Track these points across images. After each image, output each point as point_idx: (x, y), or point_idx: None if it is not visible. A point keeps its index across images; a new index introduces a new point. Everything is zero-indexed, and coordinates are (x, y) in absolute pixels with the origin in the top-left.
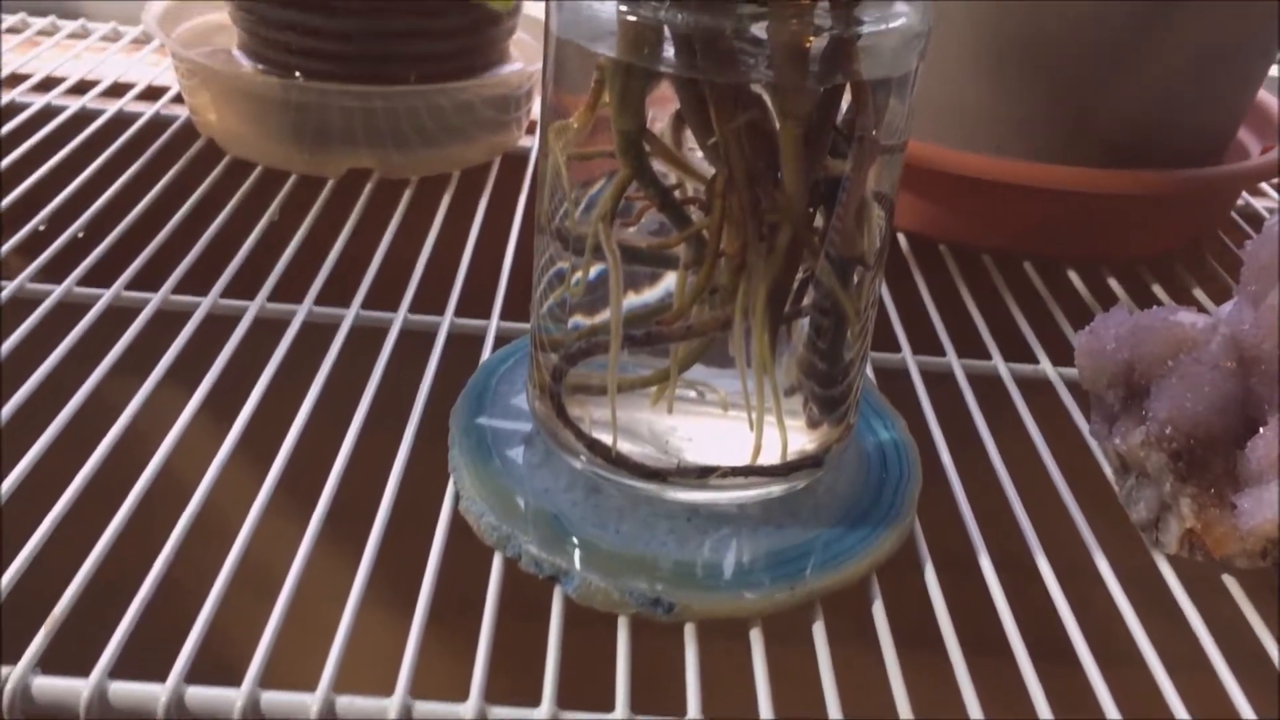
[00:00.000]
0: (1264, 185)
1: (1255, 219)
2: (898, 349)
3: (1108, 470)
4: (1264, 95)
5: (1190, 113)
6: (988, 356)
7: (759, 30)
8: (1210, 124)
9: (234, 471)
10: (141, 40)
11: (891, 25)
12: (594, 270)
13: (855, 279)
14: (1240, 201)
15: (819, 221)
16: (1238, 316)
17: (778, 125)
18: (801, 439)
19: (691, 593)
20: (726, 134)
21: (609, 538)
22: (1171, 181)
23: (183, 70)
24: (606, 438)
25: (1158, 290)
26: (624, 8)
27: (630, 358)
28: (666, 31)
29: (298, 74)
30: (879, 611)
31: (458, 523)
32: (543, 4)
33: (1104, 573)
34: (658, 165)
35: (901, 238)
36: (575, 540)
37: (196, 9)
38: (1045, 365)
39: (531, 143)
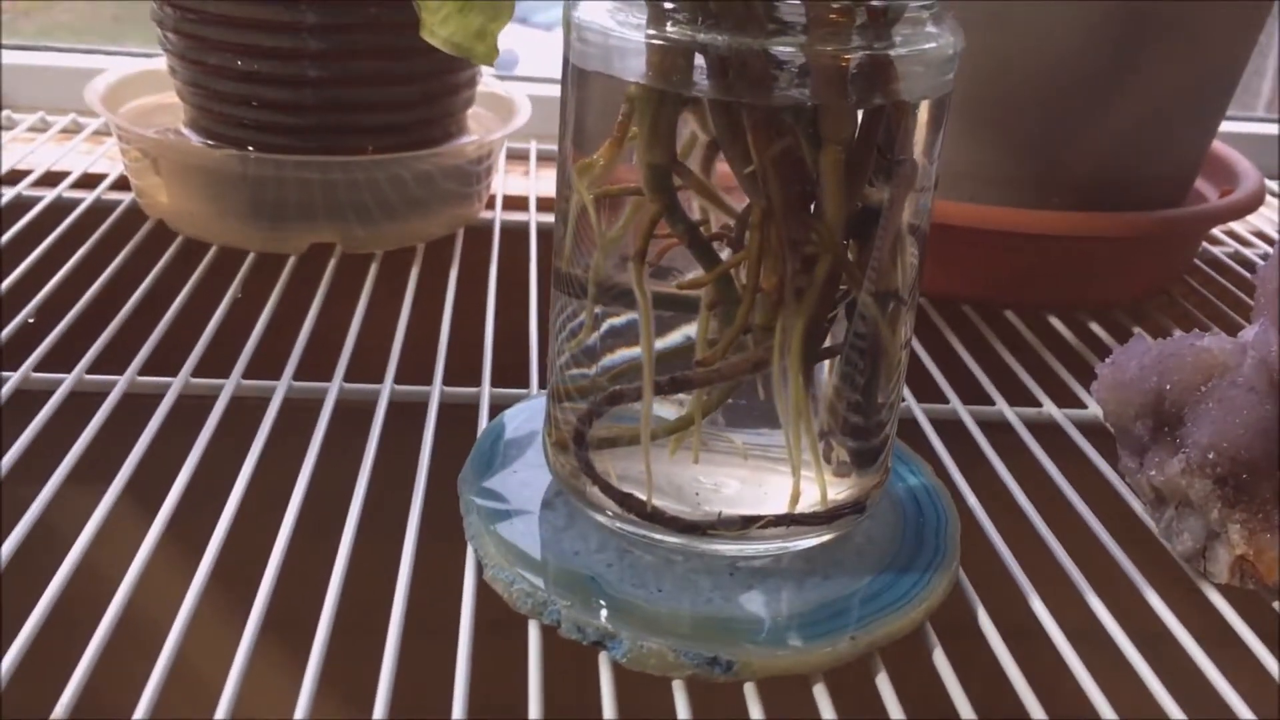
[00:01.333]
0: (1217, 231)
1: (1217, 263)
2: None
3: (1135, 505)
4: (1218, 144)
5: (1153, 161)
6: (990, 401)
7: (794, 52)
8: (1171, 172)
9: (213, 579)
10: (72, 129)
11: (926, 46)
12: (617, 318)
13: (889, 315)
14: (1200, 248)
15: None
16: (1265, 340)
17: (810, 153)
18: (838, 482)
19: (749, 649)
20: (765, 161)
21: (652, 597)
22: (1147, 222)
23: (130, 152)
24: (635, 493)
25: (1139, 331)
26: (651, 32)
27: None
28: (698, 56)
29: (250, 148)
30: (940, 659)
31: (484, 592)
32: (496, 80)
33: (1156, 606)
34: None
35: None
36: (617, 602)
37: (134, 90)
38: (1049, 407)
39: (493, 215)
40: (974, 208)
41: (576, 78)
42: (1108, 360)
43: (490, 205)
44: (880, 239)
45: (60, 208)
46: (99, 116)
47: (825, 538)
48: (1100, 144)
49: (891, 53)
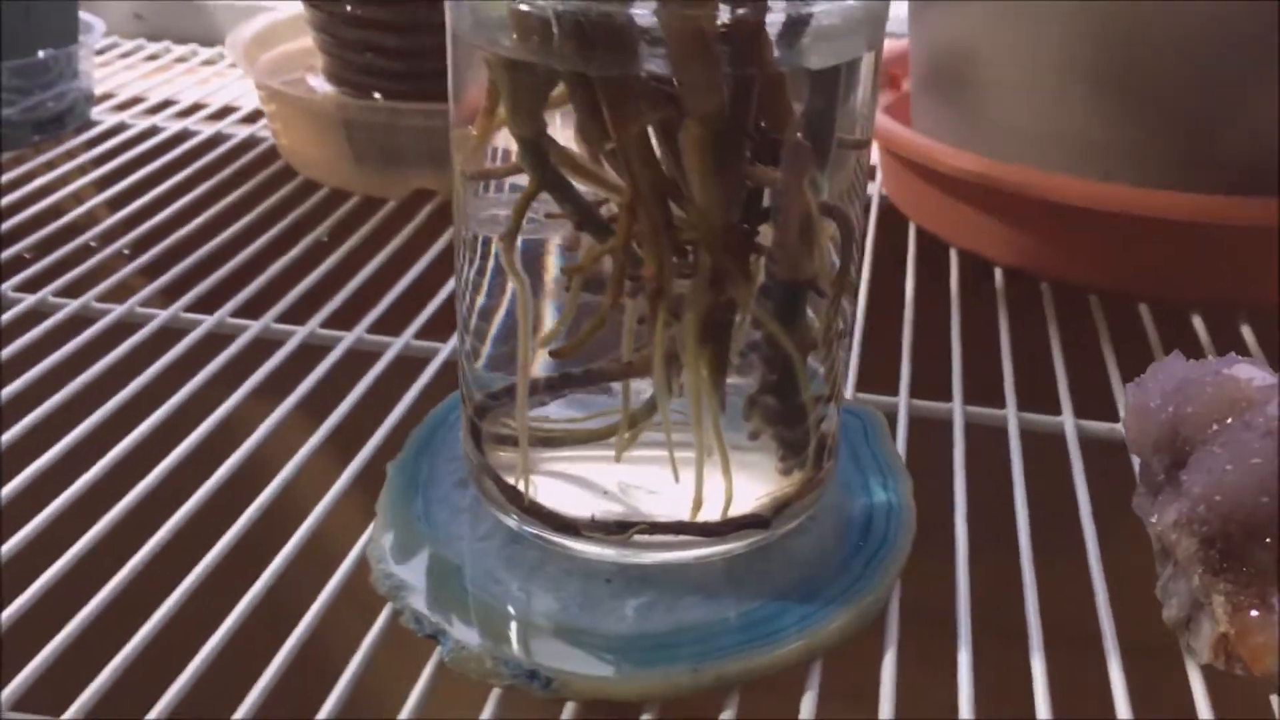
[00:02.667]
0: None
1: None
2: (949, 397)
3: None
4: None
5: None
6: (1057, 411)
7: (651, 16)
8: None
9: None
10: None
11: (829, 5)
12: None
13: (807, 306)
14: None
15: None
16: None
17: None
18: (762, 489)
19: (577, 666)
20: (625, 139)
21: (508, 596)
22: None
23: (260, 94)
24: (544, 484)
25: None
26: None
27: (592, 402)
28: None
29: (376, 95)
30: (808, 704)
31: (364, 568)
32: None
33: (1114, 679)
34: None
35: (998, 274)
36: (470, 597)
37: (290, 35)
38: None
39: None
40: (1104, 188)
41: (454, 43)
42: (1136, 380)
43: None
44: (781, 228)
45: (217, 141)
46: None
47: (719, 550)
48: (1262, 117)
49: (792, 12)
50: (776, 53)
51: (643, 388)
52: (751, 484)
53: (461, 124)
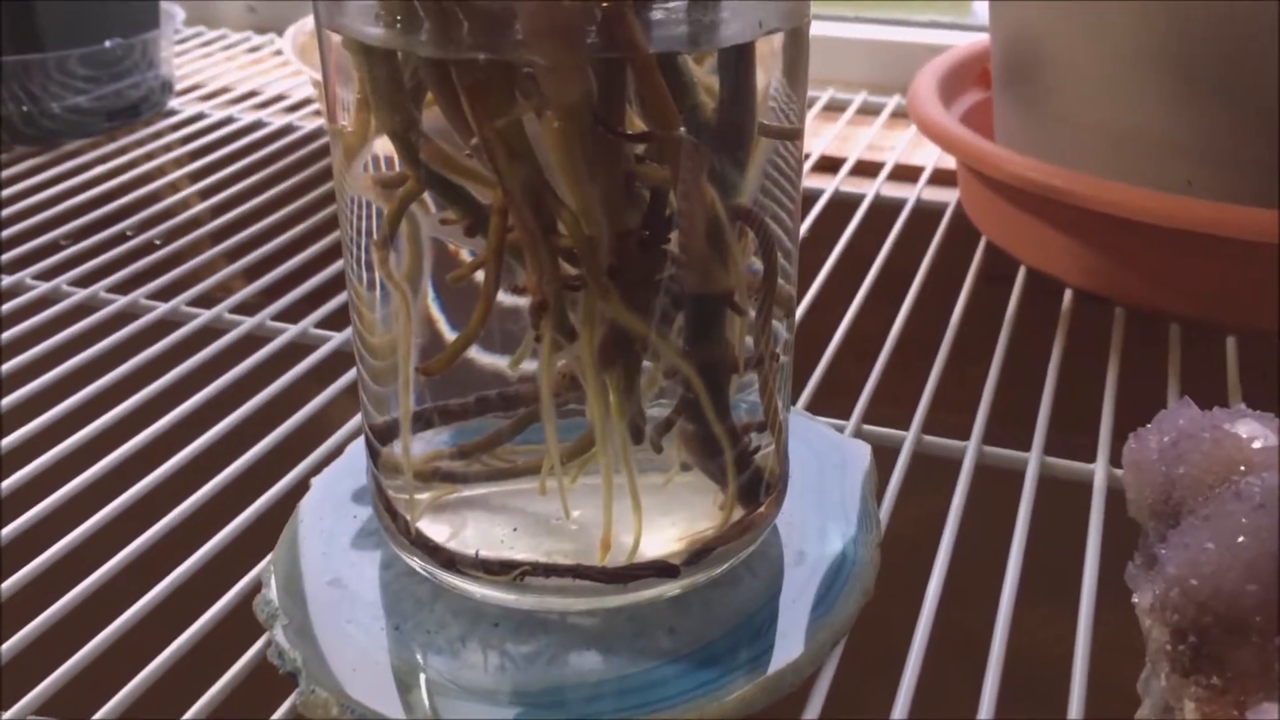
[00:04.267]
0: None
1: None
2: (967, 436)
3: None
4: None
5: None
6: (1091, 458)
7: None
8: None
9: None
10: None
11: None
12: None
13: (728, 324)
14: None
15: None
16: None
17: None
18: (690, 530)
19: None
20: (488, 133)
21: (377, 634)
22: None
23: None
24: (452, 515)
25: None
26: None
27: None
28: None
29: None
30: None
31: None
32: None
33: None
34: None
35: (1067, 295)
36: (335, 631)
37: None
38: None
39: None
40: (1180, 201)
41: (317, 28)
42: (1138, 430)
43: None
44: (684, 232)
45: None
46: None
47: (619, 600)
48: None
49: None
50: (652, 32)
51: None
52: (680, 524)
53: (334, 119)
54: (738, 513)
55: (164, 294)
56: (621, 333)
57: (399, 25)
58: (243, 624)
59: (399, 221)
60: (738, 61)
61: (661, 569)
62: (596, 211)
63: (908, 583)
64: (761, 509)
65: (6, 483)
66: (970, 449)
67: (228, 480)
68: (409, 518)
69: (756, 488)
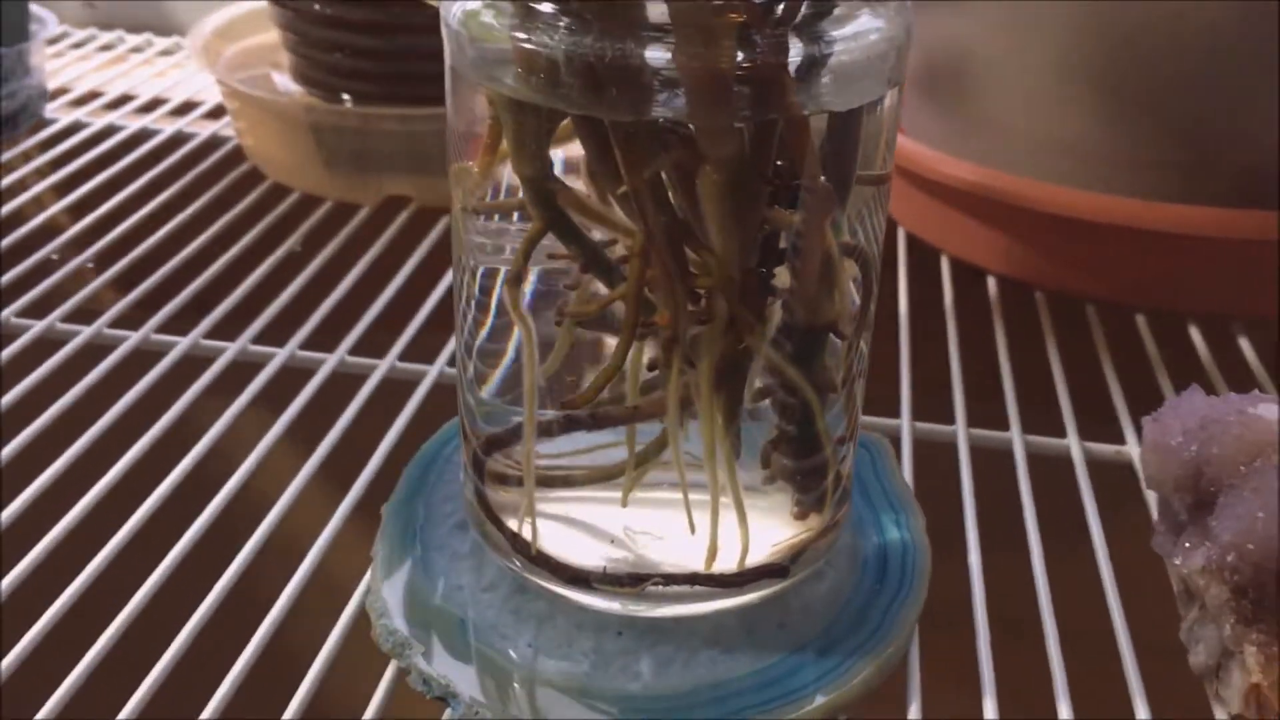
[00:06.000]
0: None
1: None
2: (952, 420)
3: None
4: None
5: None
6: (1061, 433)
7: (667, 60)
8: None
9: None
10: None
11: (850, 43)
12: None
13: (827, 349)
14: None
15: (788, 282)
16: None
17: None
18: (778, 535)
19: None
20: (638, 182)
21: (517, 651)
22: None
23: (223, 93)
24: (548, 529)
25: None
26: (519, 34)
27: (589, 444)
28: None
29: (345, 96)
30: None
31: (364, 621)
32: None
33: None
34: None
35: (991, 282)
36: (477, 653)
37: (253, 28)
38: (1132, 447)
39: None
40: (1100, 199)
41: (452, 79)
42: (1153, 415)
43: None
44: (801, 272)
45: (180, 140)
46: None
47: (736, 602)
48: (1264, 124)
49: (810, 53)
50: (797, 95)
51: (646, 428)
52: (766, 530)
53: (460, 157)
54: (829, 516)
55: (36, 309)
56: (730, 360)
57: (546, 82)
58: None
59: (528, 260)
60: (855, 115)
61: (775, 570)
62: (737, 253)
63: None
64: (842, 510)
65: None
66: (961, 435)
67: (147, 515)
68: (530, 539)
69: (839, 492)
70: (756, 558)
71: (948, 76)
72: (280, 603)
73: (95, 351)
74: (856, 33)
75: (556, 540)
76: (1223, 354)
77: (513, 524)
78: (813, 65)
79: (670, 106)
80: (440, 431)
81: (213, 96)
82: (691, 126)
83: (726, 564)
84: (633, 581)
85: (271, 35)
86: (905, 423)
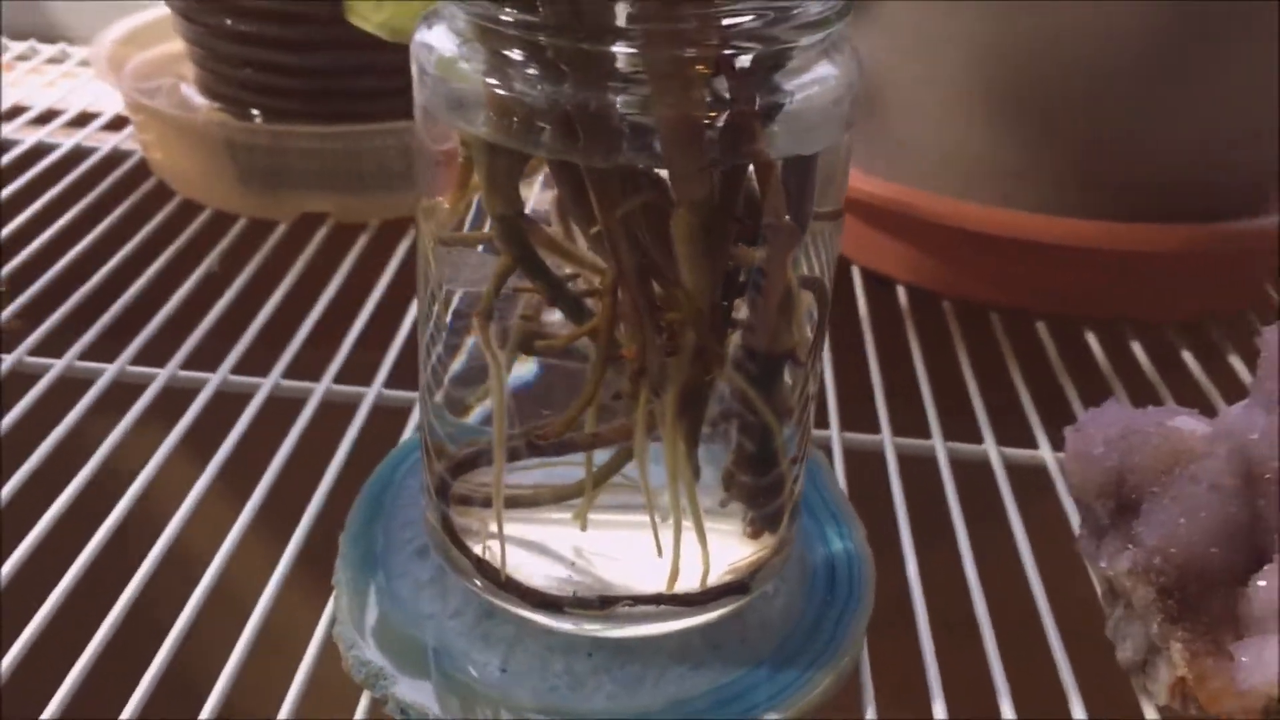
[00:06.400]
0: None
1: None
2: (877, 429)
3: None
4: None
5: (1228, 157)
6: (980, 439)
7: (640, 108)
8: (1252, 167)
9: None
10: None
11: (809, 92)
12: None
13: (784, 375)
14: None
15: (744, 313)
16: (1246, 423)
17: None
18: (736, 554)
19: None
20: (611, 223)
21: (491, 677)
22: (1197, 237)
23: (130, 107)
24: (510, 552)
25: (1188, 358)
26: (492, 80)
27: (541, 463)
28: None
29: (255, 112)
30: None
31: (330, 652)
32: None
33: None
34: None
35: (901, 291)
36: (451, 680)
37: (158, 37)
38: (1044, 451)
39: None
40: (999, 213)
41: (424, 118)
42: (1074, 425)
43: None
44: (763, 304)
45: (80, 154)
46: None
47: (701, 619)
48: (1160, 143)
49: (766, 102)
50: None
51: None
52: (724, 550)
53: (429, 191)
54: (783, 533)
55: None
56: (692, 389)
57: (521, 127)
58: None
59: (498, 294)
60: (814, 156)
61: (736, 588)
62: (706, 289)
63: None
64: (793, 527)
65: None
66: (887, 443)
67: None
68: (498, 566)
69: (792, 510)
70: (717, 577)
71: (859, 96)
72: (238, 649)
73: (17, 381)
74: (815, 79)
75: (517, 563)
76: (1117, 357)
77: (474, 547)
78: (776, 112)
79: (644, 152)
80: (390, 456)
81: (110, 107)
82: (664, 171)
83: (689, 584)
84: (602, 604)
85: (176, 44)
86: (835, 434)
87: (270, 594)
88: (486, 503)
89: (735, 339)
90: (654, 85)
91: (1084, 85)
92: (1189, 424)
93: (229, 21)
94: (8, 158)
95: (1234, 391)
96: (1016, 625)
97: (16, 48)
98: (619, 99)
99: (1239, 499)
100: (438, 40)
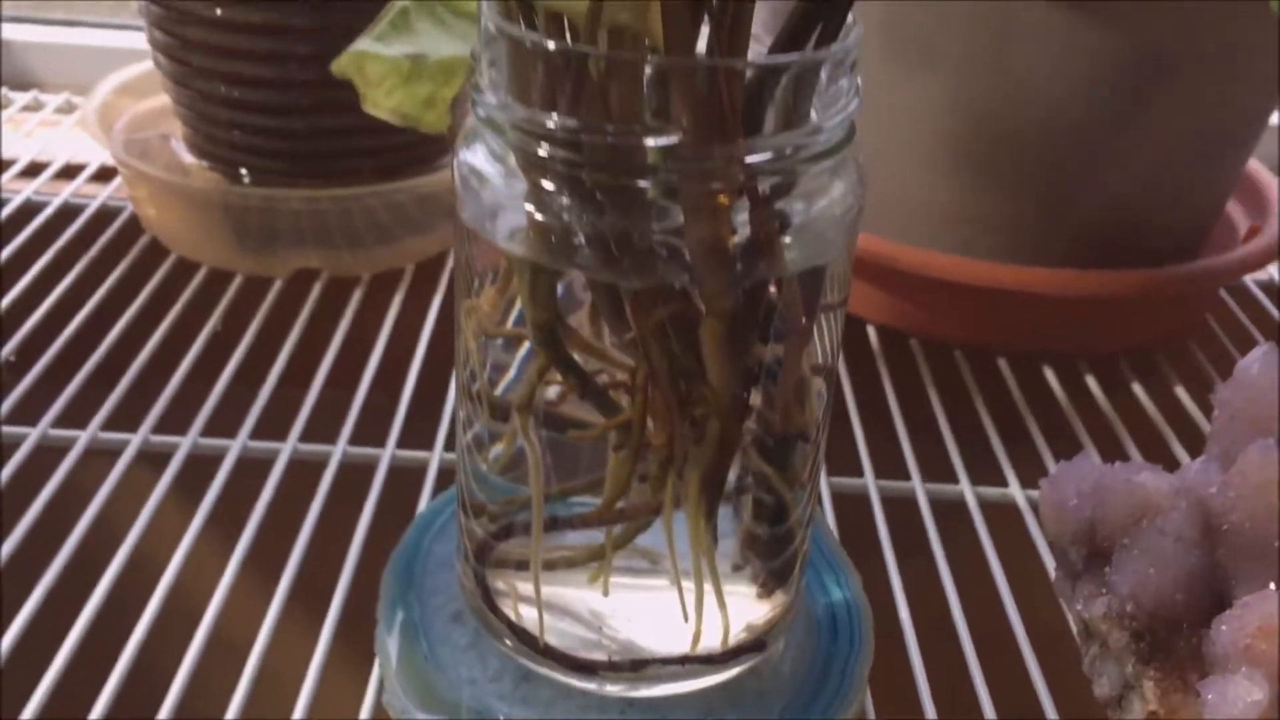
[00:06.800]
0: None
1: (1245, 296)
2: (861, 473)
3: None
4: (1253, 163)
5: (1172, 201)
6: (955, 479)
7: (673, 234)
8: (1189, 218)
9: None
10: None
11: (820, 210)
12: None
13: (796, 451)
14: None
15: (755, 398)
16: (1204, 479)
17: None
18: (751, 614)
19: None
20: (644, 331)
21: None
22: (1144, 281)
23: (125, 174)
24: (533, 614)
25: (1137, 389)
26: (530, 206)
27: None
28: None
29: (244, 171)
30: None
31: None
32: None
33: None
34: None
35: (871, 332)
36: None
37: (153, 85)
38: (1014, 489)
39: None
40: (961, 262)
41: (468, 236)
42: (1049, 477)
43: None
44: (779, 394)
45: (69, 211)
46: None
47: (725, 676)
48: (1109, 190)
49: (781, 222)
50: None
51: None
52: (740, 611)
53: (467, 293)
54: (793, 591)
55: None
56: (713, 469)
57: (560, 248)
58: None
59: (536, 389)
60: (839, 265)
61: (755, 646)
62: (730, 386)
63: None
64: (801, 584)
65: None
66: (871, 487)
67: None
68: (534, 633)
69: (801, 569)
70: (735, 636)
71: (864, 204)
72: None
73: (44, 455)
74: (825, 198)
75: (548, 624)
76: (1073, 388)
77: (506, 610)
78: (788, 225)
79: (677, 271)
80: (415, 522)
81: (96, 157)
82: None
83: (710, 643)
84: (634, 667)
85: (163, 98)
86: (823, 479)
87: (315, 672)
88: (517, 566)
89: (750, 421)
90: (686, 214)
91: (1038, 144)
92: (1153, 480)
93: (220, 88)
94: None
95: (1178, 418)
96: (1002, 664)
97: None
98: (654, 225)
99: (1200, 549)
100: (478, 161)
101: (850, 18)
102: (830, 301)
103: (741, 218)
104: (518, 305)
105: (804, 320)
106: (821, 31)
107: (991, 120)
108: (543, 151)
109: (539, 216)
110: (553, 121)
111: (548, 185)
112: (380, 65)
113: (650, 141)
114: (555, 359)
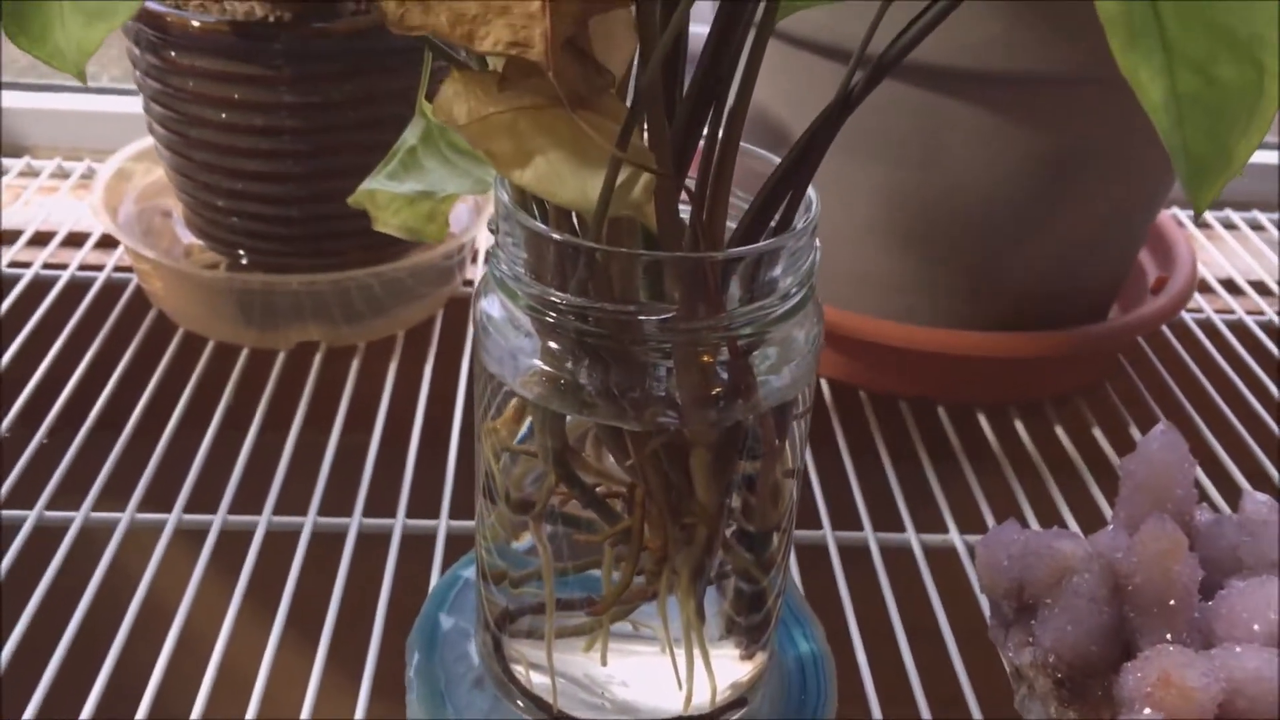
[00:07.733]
0: None
1: (1156, 337)
2: (819, 525)
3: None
4: (1165, 220)
5: (1087, 268)
6: (902, 528)
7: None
8: (1107, 273)
9: None
10: (90, 175)
11: (792, 351)
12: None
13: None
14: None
15: (735, 501)
16: (1112, 544)
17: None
18: (734, 674)
19: None
20: (642, 458)
21: None
22: (1066, 341)
23: (134, 260)
24: (544, 681)
25: (1060, 433)
26: (539, 361)
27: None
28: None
29: (241, 252)
30: None
31: None
32: None
33: None
34: None
35: (825, 385)
36: None
37: (152, 161)
38: (954, 535)
39: (473, 275)
40: (901, 328)
41: (479, 366)
42: (984, 539)
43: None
44: (756, 500)
45: (78, 286)
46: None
47: None
48: (1033, 262)
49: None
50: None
51: None
52: (725, 673)
53: (485, 417)
54: (769, 652)
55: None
56: (700, 564)
57: (569, 395)
58: None
59: (548, 500)
60: (803, 393)
61: (738, 703)
62: (716, 499)
63: None
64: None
65: None
66: (829, 537)
67: None
68: (549, 700)
69: (772, 630)
70: (721, 695)
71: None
72: None
73: (88, 536)
74: (795, 344)
75: (544, 687)
76: (1001, 432)
77: (518, 672)
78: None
79: (670, 414)
80: (433, 594)
81: (98, 225)
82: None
83: (700, 702)
84: None
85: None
86: None
87: None
88: (528, 635)
89: (731, 519)
90: (677, 370)
91: (971, 224)
92: (1070, 546)
93: (222, 181)
94: (14, 295)
95: (1096, 460)
96: (948, 700)
97: None
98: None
99: (1110, 607)
100: (494, 310)
101: (809, 192)
102: (798, 412)
103: (722, 370)
104: (528, 420)
105: (776, 442)
106: (787, 204)
107: (930, 204)
108: (552, 317)
109: (548, 369)
110: (563, 300)
111: (555, 345)
112: (389, 194)
113: (651, 318)
114: (563, 477)
